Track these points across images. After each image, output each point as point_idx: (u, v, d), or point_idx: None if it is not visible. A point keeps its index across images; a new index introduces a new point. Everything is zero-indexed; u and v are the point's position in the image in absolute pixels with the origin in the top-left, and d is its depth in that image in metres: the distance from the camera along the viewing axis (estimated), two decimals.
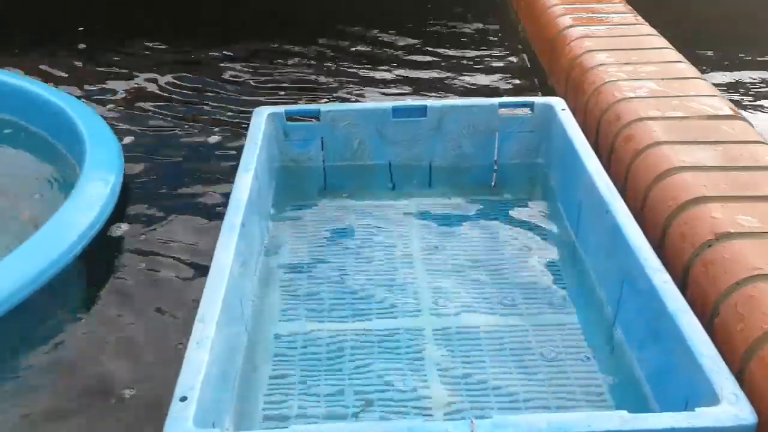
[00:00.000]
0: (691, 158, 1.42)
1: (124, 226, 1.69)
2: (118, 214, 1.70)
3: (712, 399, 0.92)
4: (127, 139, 2.11)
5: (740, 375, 1.00)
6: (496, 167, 1.72)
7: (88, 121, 1.92)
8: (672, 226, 1.28)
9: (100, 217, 1.58)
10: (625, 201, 1.48)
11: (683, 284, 1.20)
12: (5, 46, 2.75)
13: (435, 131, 1.69)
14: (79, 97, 2.20)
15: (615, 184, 1.54)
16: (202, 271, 1.41)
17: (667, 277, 1.12)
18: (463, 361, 1.22)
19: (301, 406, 1.14)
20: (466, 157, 1.71)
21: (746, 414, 0.89)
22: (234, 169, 1.46)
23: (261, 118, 1.63)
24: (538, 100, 1.70)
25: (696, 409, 0.90)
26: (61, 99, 2.03)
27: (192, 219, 1.72)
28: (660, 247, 1.30)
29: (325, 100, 2.35)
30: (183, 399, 0.92)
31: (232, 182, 1.41)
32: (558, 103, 1.68)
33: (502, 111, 1.68)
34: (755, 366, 0.98)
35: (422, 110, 1.67)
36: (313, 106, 1.71)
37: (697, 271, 1.18)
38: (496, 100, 1.69)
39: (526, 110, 1.69)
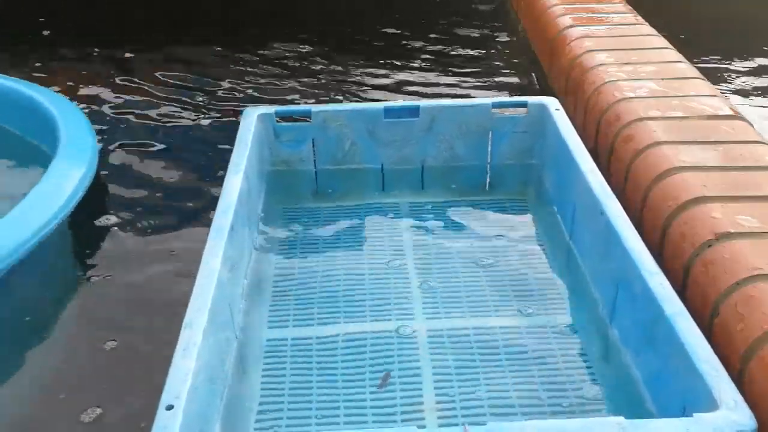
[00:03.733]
0: (691, 158, 1.43)
1: (110, 226, 1.71)
2: (103, 211, 1.73)
3: (711, 404, 0.92)
4: (116, 139, 2.12)
5: (740, 375, 1.01)
6: (489, 168, 1.73)
7: (60, 106, 1.95)
8: (672, 226, 1.30)
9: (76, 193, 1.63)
10: (625, 201, 1.49)
11: (683, 284, 1.22)
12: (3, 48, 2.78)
13: (427, 132, 1.70)
14: (66, 95, 2.21)
15: (615, 184, 1.55)
16: (191, 274, 1.43)
17: (663, 279, 1.13)
18: (456, 364, 1.22)
19: (292, 411, 1.15)
20: (458, 158, 1.73)
21: (745, 420, 0.89)
22: (224, 171, 1.46)
23: (251, 119, 1.63)
24: (532, 99, 1.71)
25: (694, 414, 0.90)
26: (32, 89, 2.06)
27: (181, 222, 1.74)
28: (660, 247, 1.31)
29: (316, 100, 2.36)
30: (169, 408, 0.92)
31: (222, 184, 1.42)
32: (552, 103, 1.69)
33: (496, 111, 1.69)
34: (755, 366, 0.99)
35: (414, 111, 1.68)
36: (304, 107, 1.73)
37: (697, 271, 1.19)
38: (489, 100, 1.71)
39: (520, 110, 1.70)
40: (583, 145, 1.53)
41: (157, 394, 0.94)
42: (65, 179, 1.65)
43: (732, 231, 1.20)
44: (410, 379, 1.20)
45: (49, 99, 1.99)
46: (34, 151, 1.94)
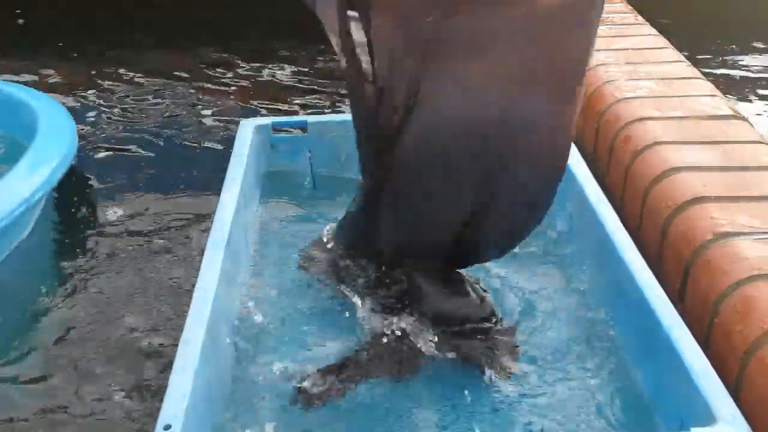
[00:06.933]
0: (691, 158, 1.45)
1: (105, 229, 1.76)
2: (98, 218, 1.80)
3: (709, 419, 0.93)
4: (111, 144, 2.18)
5: (740, 375, 1.03)
6: None
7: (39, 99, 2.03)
8: (672, 226, 1.31)
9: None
10: (624, 201, 1.51)
11: (683, 284, 1.23)
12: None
13: None
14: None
15: (615, 184, 1.57)
16: (185, 277, 1.54)
17: (660, 291, 1.13)
18: (453, 377, 1.22)
19: (289, 427, 1.14)
20: None
21: None
22: (220, 179, 1.48)
23: (247, 130, 1.65)
24: None
25: (692, 429, 0.91)
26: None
27: (175, 228, 1.78)
28: (660, 247, 1.33)
29: (313, 111, 2.38)
30: (167, 427, 0.92)
31: (219, 191, 1.44)
32: None
33: None
34: (755, 366, 1.01)
35: None
36: (300, 118, 1.74)
37: (697, 271, 1.21)
38: None
39: None
40: (579, 154, 1.53)
41: None
42: (48, 155, 1.76)
43: (732, 231, 1.22)
44: (407, 390, 1.19)
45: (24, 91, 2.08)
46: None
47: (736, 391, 0.98)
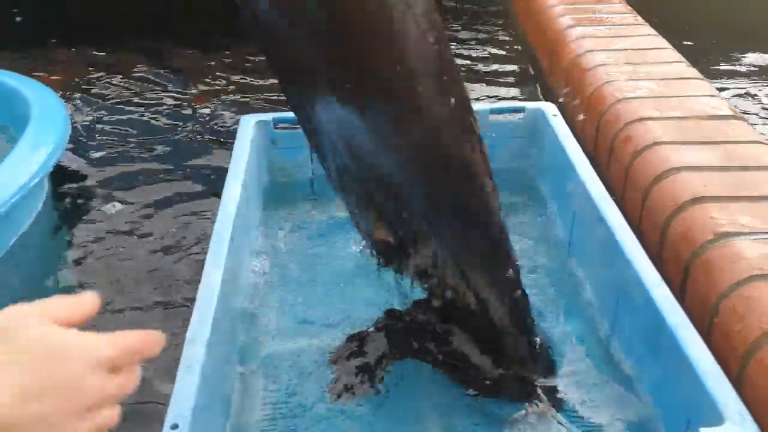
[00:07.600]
0: (691, 158, 1.45)
1: (107, 226, 1.77)
2: (99, 215, 1.81)
3: (716, 418, 0.93)
4: (111, 141, 2.17)
5: (739, 376, 1.03)
6: None
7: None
8: (672, 226, 1.32)
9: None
10: (624, 201, 1.52)
11: (683, 284, 1.24)
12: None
13: None
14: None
15: (615, 184, 1.57)
16: (188, 273, 1.56)
17: (665, 290, 1.13)
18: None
19: (296, 426, 1.15)
20: None
21: None
22: (222, 175, 1.48)
23: (248, 126, 1.64)
24: (530, 105, 1.72)
25: (700, 429, 0.91)
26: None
27: (178, 225, 1.79)
28: (660, 247, 1.34)
29: None
30: (174, 427, 0.92)
31: (221, 187, 1.44)
32: (549, 109, 1.69)
33: (493, 117, 1.69)
34: (755, 367, 1.01)
35: None
36: None
37: (697, 271, 1.21)
38: (487, 106, 1.72)
39: (518, 116, 1.70)
40: (581, 151, 1.53)
41: None
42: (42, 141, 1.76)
43: (732, 231, 1.22)
44: (407, 391, 1.20)
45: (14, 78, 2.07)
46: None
47: (736, 391, 0.98)
